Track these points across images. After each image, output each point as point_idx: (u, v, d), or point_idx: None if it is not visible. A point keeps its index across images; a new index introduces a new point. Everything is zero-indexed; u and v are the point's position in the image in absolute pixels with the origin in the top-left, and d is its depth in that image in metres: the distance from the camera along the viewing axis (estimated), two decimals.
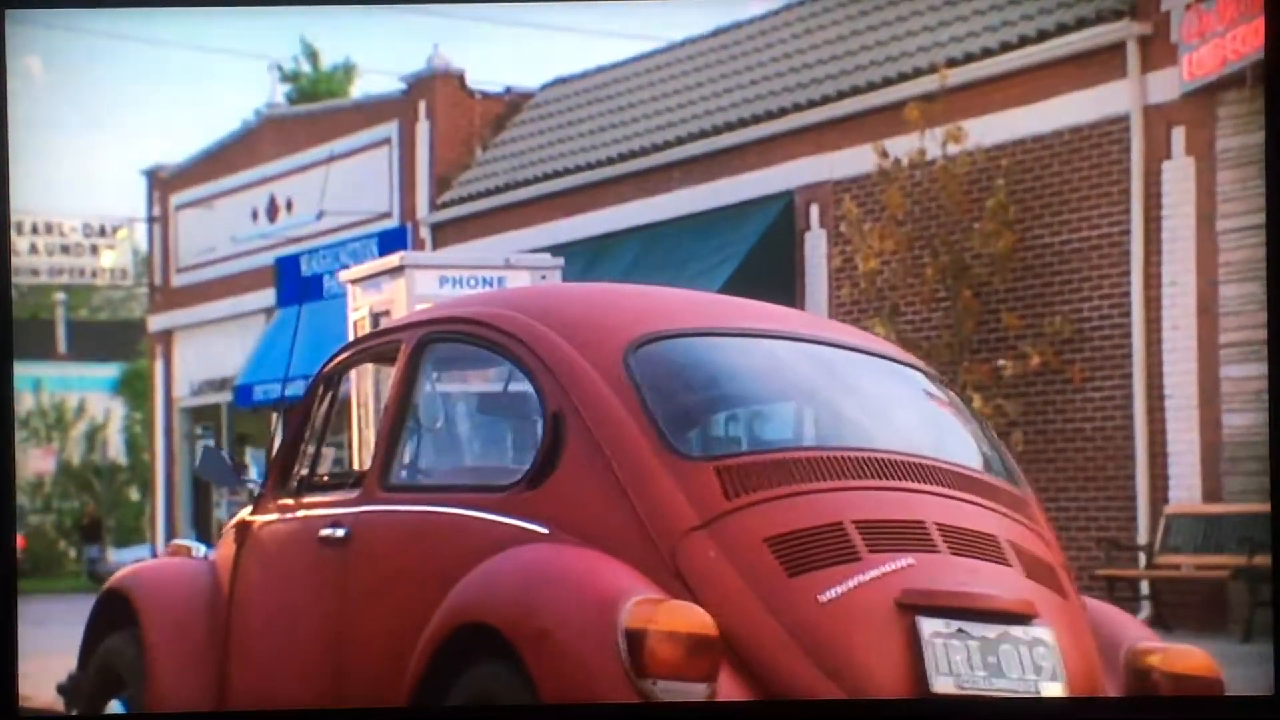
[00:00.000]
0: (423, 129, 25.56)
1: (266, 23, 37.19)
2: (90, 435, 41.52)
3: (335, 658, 6.56)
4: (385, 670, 6.23)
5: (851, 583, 5.56)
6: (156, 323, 31.40)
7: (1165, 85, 15.97)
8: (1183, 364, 15.91)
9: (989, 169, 17.31)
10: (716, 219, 20.60)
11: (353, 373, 14.31)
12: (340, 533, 6.65)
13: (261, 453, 29.41)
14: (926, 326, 17.72)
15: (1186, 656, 6.04)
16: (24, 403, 39.68)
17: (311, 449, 7.37)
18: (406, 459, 6.75)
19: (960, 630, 5.56)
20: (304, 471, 7.31)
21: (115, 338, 45.80)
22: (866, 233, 17.87)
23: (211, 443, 30.73)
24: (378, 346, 7.33)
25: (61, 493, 40.23)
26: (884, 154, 17.82)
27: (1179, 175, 15.88)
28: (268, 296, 28.18)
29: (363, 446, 13.94)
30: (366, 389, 13.58)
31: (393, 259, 13.75)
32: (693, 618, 5.44)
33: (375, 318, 13.76)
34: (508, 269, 13.61)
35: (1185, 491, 15.87)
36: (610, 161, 22.44)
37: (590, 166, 22.78)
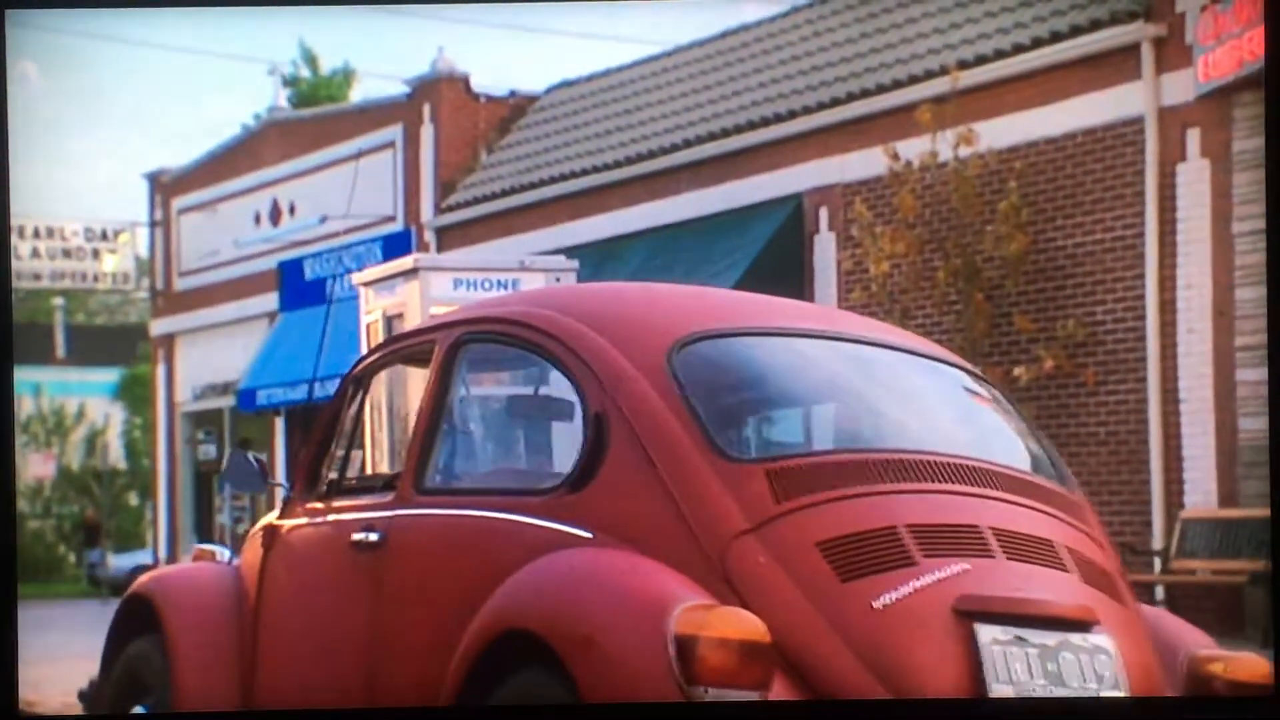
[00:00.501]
0: (427, 132, 25.45)
1: (267, 27, 37.09)
2: (90, 440, 41.35)
3: (369, 663, 6.44)
4: (422, 675, 6.11)
5: (907, 588, 5.44)
6: (158, 327, 31.27)
7: (1180, 87, 15.87)
8: (1198, 367, 15.81)
9: (1001, 171, 17.21)
10: (725, 222, 20.49)
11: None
12: (374, 537, 6.53)
13: (262, 457, 29.36)
14: (938, 330, 17.60)
15: (1249, 664, 5.94)
16: (24, 407, 39.53)
17: (341, 452, 7.25)
18: (441, 462, 6.62)
19: (1019, 637, 5.44)
20: (333, 475, 7.19)
21: (114, 342, 45.63)
22: (878, 235, 17.77)
23: (208, 446, 30.68)
24: (410, 347, 7.18)
25: (61, 497, 40.06)
26: (895, 156, 17.71)
27: (1194, 178, 15.78)
28: (270, 301, 28.05)
29: (376, 449, 13.82)
30: (380, 392, 13.45)
31: (406, 261, 13.64)
32: (745, 624, 5.32)
33: (388, 320, 13.64)
34: (522, 271, 13.50)
35: (1201, 496, 15.77)
36: (618, 164, 22.33)
37: (597, 169, 22.67)
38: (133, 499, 40.97)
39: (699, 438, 5.71)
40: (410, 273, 13.41)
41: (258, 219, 28.47)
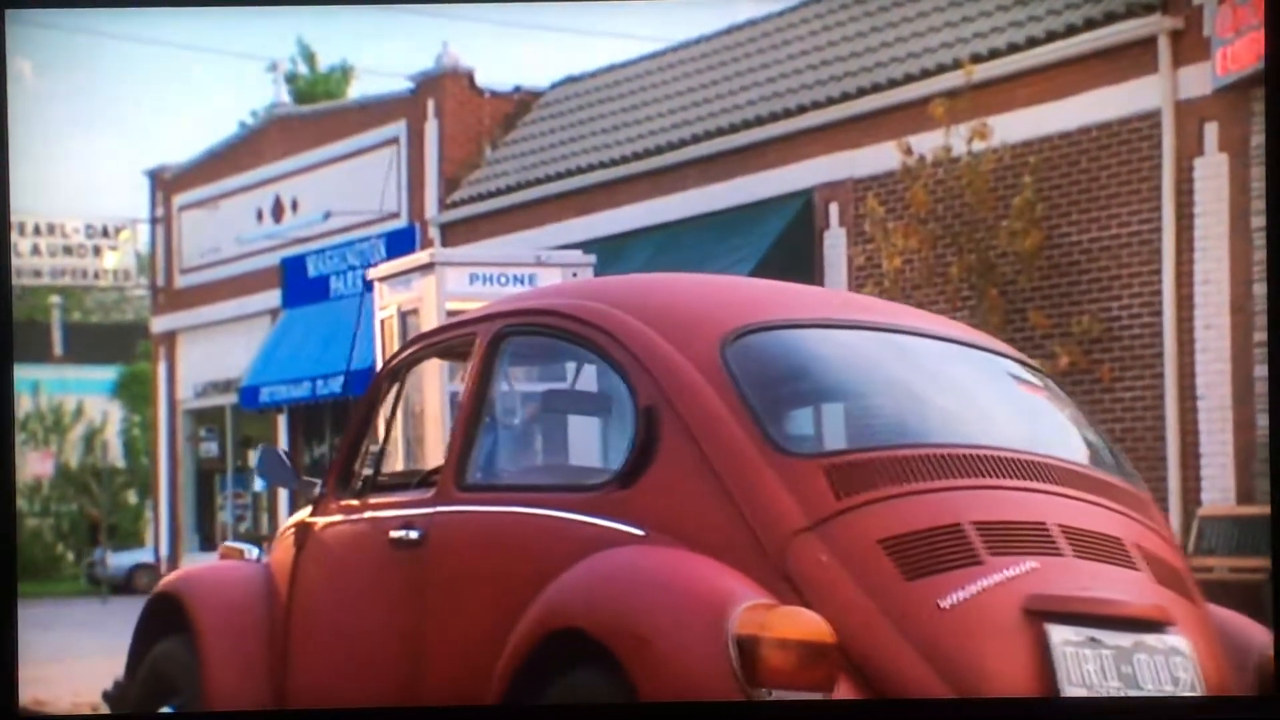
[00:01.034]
0: (431, 128, 25.30)
1: (268, 24, 36.94)
2: (88, 438, 41.20)
3: (408, 661, 6.30)
4: (465, 675, 5.98)
5: (974, 587, 5.30)
6: (159, 324, 31.12)
7: (1197, 80, 15.74)
8: (1215, 364, 15.68)
9: (1014, 166, 17.08)
10: (734, 218, 20.36)
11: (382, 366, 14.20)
12: (414, 534, 6.38)
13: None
14: None
15: None
16: (22, 405, 39.37)
17: (376, 448, 7.10)
18: (483, 457, 6.46)
19: (1092, 639, 5.30)
20: (368, 471, 7.05)
21: (111, 340, 45.48)
22: (890, 231, 17.64)
23: (209, 444, 30.56)
24: (448, 340, 7.02)
25: (60, 496, 39.92)
26: (908, 151, 17.58)
27: (1212, 172, 15.66)
28: (273, 298, 27.92)
29: (389, 444, 13.66)
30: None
31: (422, 256, 13.50)
32: (808, 624, 5.19)
33: (403, 316, 13.50)
34: (539, 266, 13.37)
35: (1218, 493, 15.65)
36: (624, 160, 22.19)
37: (604, 165, 22.53)
38: (131, 497, 40.83)
39: (754, 432, 5.56)
40: (426, 267, 13.27)
41: (260, 215, 28.32)
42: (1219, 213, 15.61)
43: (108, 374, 42.26)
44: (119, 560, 36.68)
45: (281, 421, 27.95)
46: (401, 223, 25.60)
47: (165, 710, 7.57)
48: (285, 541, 7.34)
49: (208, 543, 30.49)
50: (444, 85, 25.19)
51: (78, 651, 19.04)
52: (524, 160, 24.49)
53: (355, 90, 41.67)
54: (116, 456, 40.79)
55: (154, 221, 30.67)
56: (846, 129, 19.23)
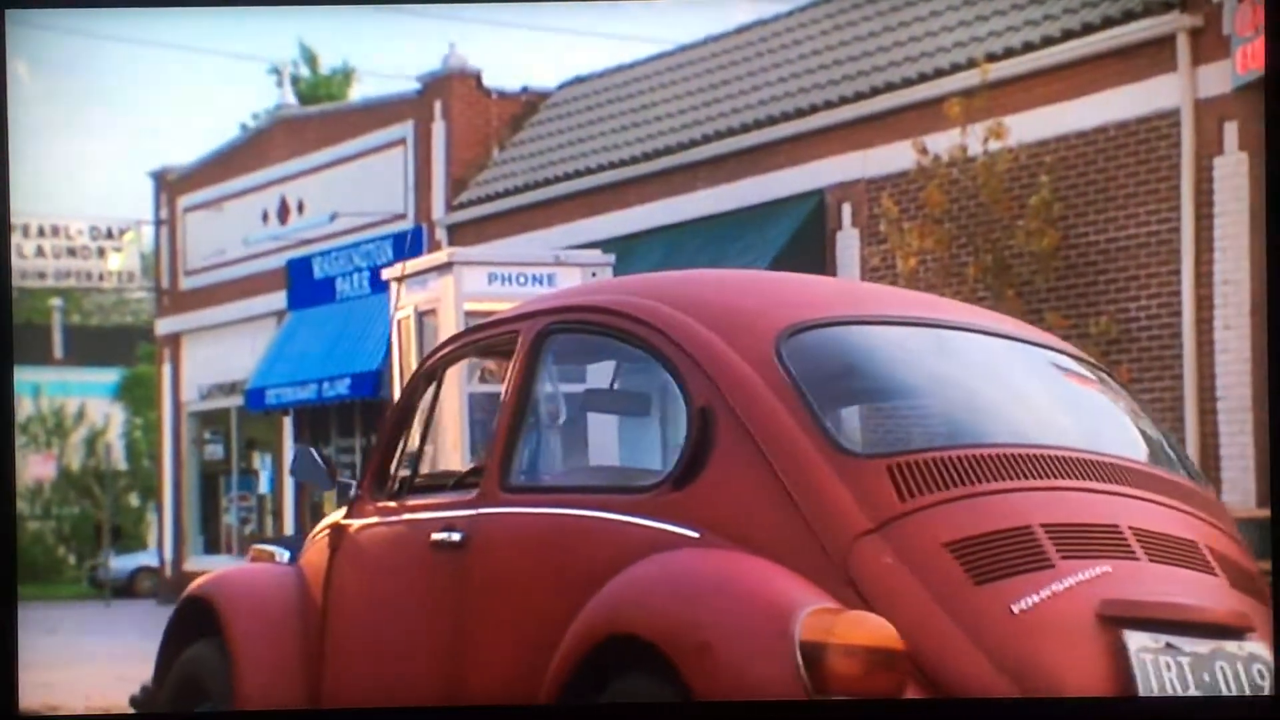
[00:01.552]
0: (438, 129, 25.18)
1: (270, 25, 36.86)
2: (90, 441, 41.09)
3: (451, 667, 6.16)
4: (510, 679, 5.84)
5: (1046, 592, 5.13)
6: (164, 326, 31.00)
7: (1217, 79, 15.62)
8: (1235, 365, 15.57)
9: (1030, 166, 16.97)
10: (745, 219, 20.25)
11: (398, 368, 14.07)
12: (455, 537, 6.23)
13: (269, 456, 29.25)
14: None
15: None
16: (23, 408, 39.27)
17: (412, 449, 6.96)
18: (527, 458, 6.32)
19: (1169, 645, 5.14)
20: (405, 472, 6.91)
21: (112, 343, 45.39)
22: (906, 231, 17.52)
23: (214, 446, 30.43)
24: (487, 339, 6.86)
25: (61, 499, 39.82)
26: (924, 151, 17.46)
27: (1231, 171, 15.54)
28: (278, 299, 27.80)
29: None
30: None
31: (440, 255, 13.38)
32: (877, 630, 5.03)
33: (420, 316, 13.38)
34: (558, 265, 13.26)
35: (1239, 495, 15.52)
36: (634, 160, 22.07)
37: (613, 166, 22.42)
38: (134, 500, 40.73)
39: (814, 431, 5.40)
40: (444, 267, 13.14)
41: (265, 217, 28.21)
42: (1238, 212, 15.49)
43: (109, 376, 42.17)
44: (121, 563, 36.59)
45: (287, 424, 27.84)
46: (408, 224, 25.48)
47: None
48: (319, 544, 7.20)
49: (212, 546, 30.39)
50: (451, 86, 25.07)
51: (85, 655, 18.96)
52: (532, 161, 24.37)
53: (357, 92, 41.65)
54: (119, 459, 40.69)
55: (158, 223, 30.55)
56: (860, 129, 19.11)
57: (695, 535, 5.45)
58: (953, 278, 17.37)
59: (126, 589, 35.51)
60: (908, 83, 18.57)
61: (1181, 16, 15.88)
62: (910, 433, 5.83)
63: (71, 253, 29.63)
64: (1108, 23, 16.56)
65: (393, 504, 6.81)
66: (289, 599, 7.18)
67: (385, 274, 14.35)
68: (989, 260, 17.09)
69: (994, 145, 16.94)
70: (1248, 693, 5.13)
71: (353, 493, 7.12)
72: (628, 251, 21.34)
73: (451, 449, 12.23)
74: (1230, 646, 5.21)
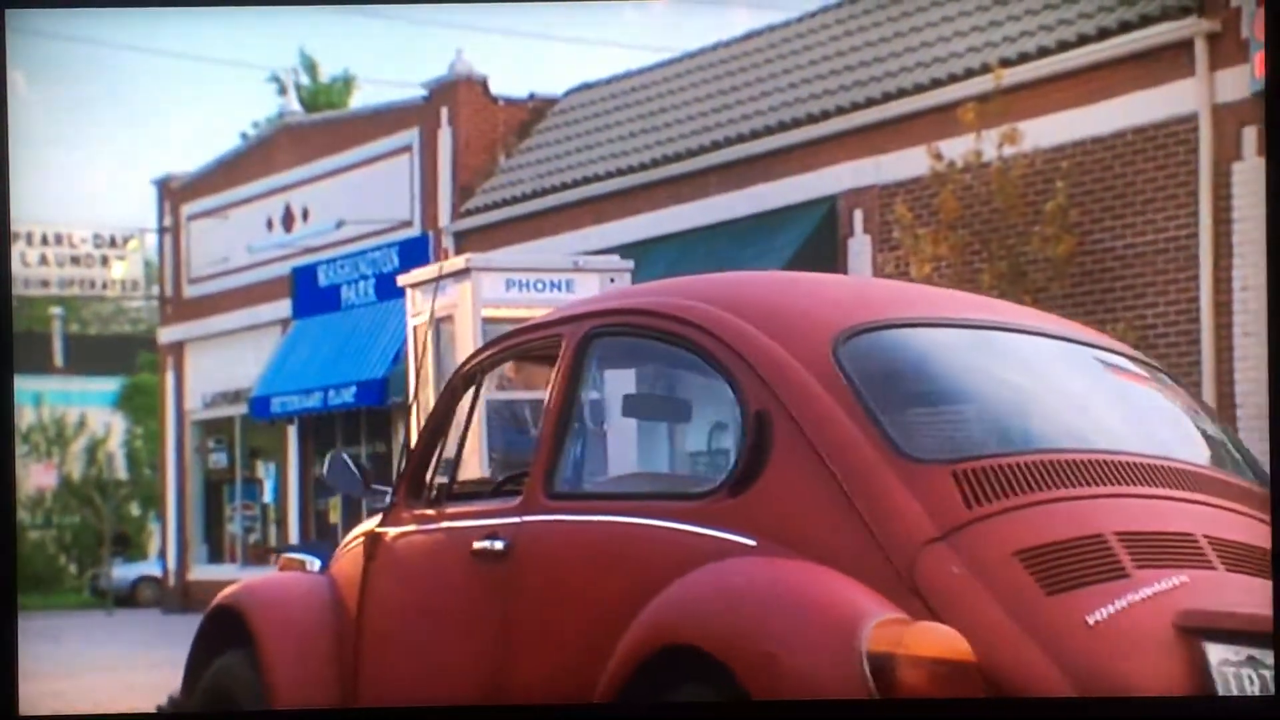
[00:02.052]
0: (445, 135, 25.05)
1: (273, 33, 36.81)
2: (91, 450, 40.96)
3: (492, 676, 6.01)
4: (556, 690, 5.70)
5: (1121, 602, 4.94)
6: (167, 334, 30.88)
7: (1235, 83, 15.52)
8: (1254, 372, 15.44)
9: (1045, 171, 16.85)
10: (756, 225, 20.12)
11: (414, 374, 13.92)
12: (499, 545, 6.06)
13: (273, 465, 29.12)
14: None
15: None
16: (24, 417, 39.12)
17: (450, 455, 6.81)
18: (573, 464, 6.16)
19: (1251, 658, 4.98)
20: (442, 480, 6.76)
21: (112, 351, 45.29)
22: (920, 237, 17.39)
23: (218, 454, 30.31)
24: (528, 343, 6.69)
25: (62, 508, 39.69)
26: (938, 157, 17.34)
27: (1250, 176, 15.42)
28: (283, 307, 27.68)
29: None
30: (429, 396, 13.10)
31: (458, 261, 13.24)
32: (948, 641, 4.84)
33: (437, 323, 13.25)
34: (576, 271, 13.13)
35: None
36: (643, 167, 21.95)
37: (621, 172, 22.30)
38: (134, 509, 40.63)
39: (875, 436, 5.24)
40: (462, 273, 13.00)
41: (270, 224, 28.08)
42: (1258, 218, 15.36)
43: (110, 385, 42.06)
44: (123, 572, 36.48)
45: (292, 432, 27.72)
46: (414, 231, 25.36)
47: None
48: (352, 552, 7.05)
49: (216, 554, 30.26)
50: (458, 92, 24.95)
51: (92, 665, 18.85)
52: (540, 168, 24.25)
53: (357, 100, 41.62)
54: (120, 468, 40.59)
55: (162, 231, 30.43)
56: (872, 134, 19.00)
57: (752, 543, 5.29)
58: (967, 284, 17.23)
59: (128, 598, 35.42)
60: (921, 88, 18.46)
61: (1200, 21, 15.78)
62: (972, 438, 5.60)
63: (75, 261, 29.54)
64: (1124, 28, 16.45)
65: (431, 512, 6.65)
66: (322, 608, 7.03)
67: (401, 280, 14.20)
68: (1004, 266, 16.96)
69: (1009, 151, 16.83)
70: None
71: (388, 500, 6.95)
72: (636, 258, 21.19)
73: (469, 455, 12.08)
74: None
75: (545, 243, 22.68)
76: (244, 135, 37.07)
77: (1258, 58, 15.13)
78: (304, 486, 27.76)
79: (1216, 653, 4.93)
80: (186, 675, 7.56)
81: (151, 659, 19.34)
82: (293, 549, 25.56)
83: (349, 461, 7.20)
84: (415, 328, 13.65)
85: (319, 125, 28.87)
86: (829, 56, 20.84)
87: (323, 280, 26.61)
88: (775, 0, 23.56)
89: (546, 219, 23.24)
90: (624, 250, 21.26)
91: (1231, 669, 4.95)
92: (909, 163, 18.25)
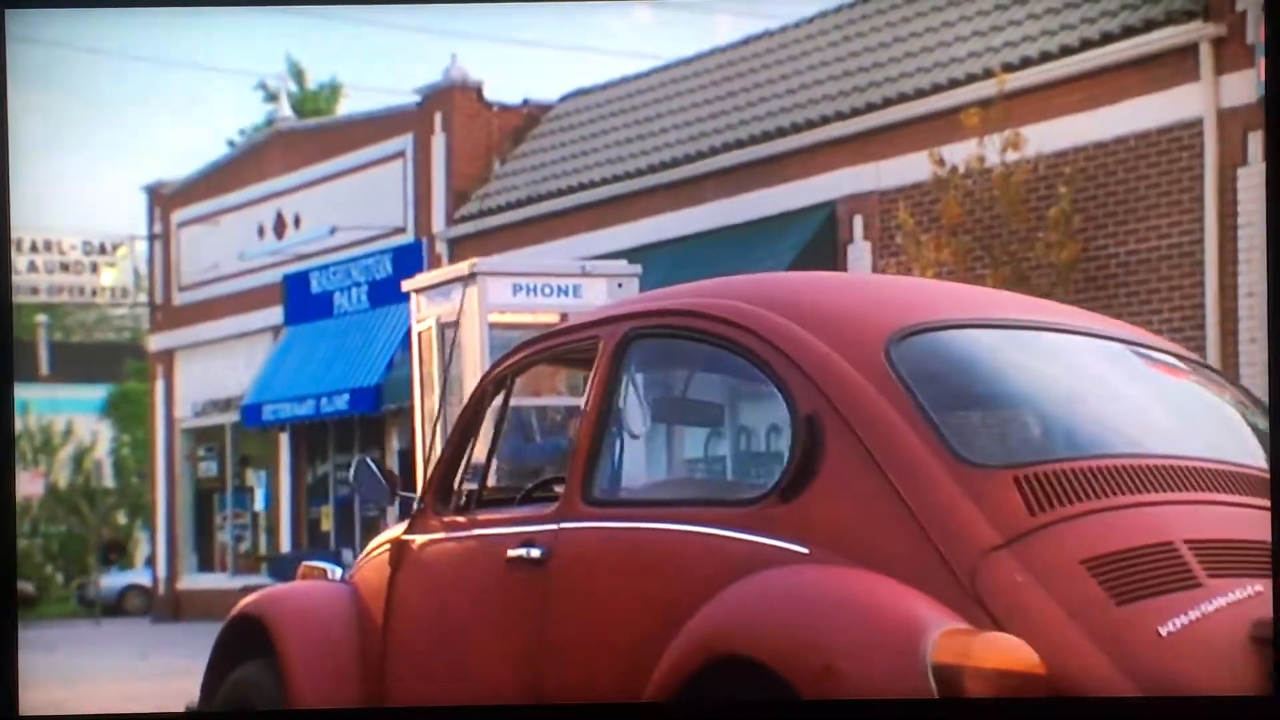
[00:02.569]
0: (438, 141, 24.91)
1: (262, 39, 36.70)
2: (78, 458, 40.76)
3: (529, 685, 5.88)
4: (597, 699, 5.56)
5: (1195, 613, 4.79)
6: (157, 342, 30.71)
7: (1241, 88, 15.43)
8: (1261, 379, 15.32)
9: (1049, 177, 16.76)
10: (755, 231, 20.00)
11: (418, 380, 13.81)
12: (535, 553, 5.92)
13: (264, 473, 28.94)
14: None
15: None
16: None
17: (480, 461, 6.67)
18: (612, 470, 6.02)
19: None
20: (472, 486, 6.62)
21: (99, 359, 45.09)
22: (922, 243, 17.29)
23: (209, 462, 30.14)
24: (562, 345, 6.55)
25: (49, 516, 39.47)
26: (941, 162, 17.23)
27: (1256, 181, 15.33)
28: (274, 315, 27.52)
29: (429, 461, 13.31)
30: (434, 402, 13.00)
31: (462, 266, 13.11)
32: (1016, 652, 4.69)
33: (442, 328, 13.12)
34: (583, 276, 13.01)
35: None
36: (640, 173, 21.82)
37: (618, 178, 22.17)
38: (121, 517, 40.43)
39: (932, 440, 5.09)
40: (468, 278, 12.87)
41: (261, 231, 27.92)
42: (1264, 223, 15.25)
43: (97, 393, 41.86)
44: (110, 581, 36.29)
45: (284, 440, 27.56)
46: (408, 238, 25.22)
47: None
48: (377, 560, 6.91)
49: (206, 564, 30.09)
50: (452, 98, 24.81)
51: (87, 674, 18.70)
52: (535, 174, 24.11)
53: (344, 107, 41.54)
54: (107, 476, 40.39)
55: (152, 238, 30.26)
56: (872, 140, 18.89)
57: (804, 551, 5.15)
58: None
59: (115, 608, 35.23)
60: (922, 94, 18.35)
61: (1205, 25, 15.69)
62: (1032, 442, 5.44)
63: (64, 268, 29.36)
64: (1128, 32, 16.36)
65: (461, 519, 6.51)
66: (345, 617, 6.90)
67: (405, 285, 14.07)
68: (1007, 272, 16.85)
69: (1012, 156, 16.73)
70: None
71: (415, 507, 6.82)
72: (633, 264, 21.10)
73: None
74: None
75: (540, 249, 22.55)
76: (231, 143, 36.96)
77: (1263, 62, 15.03)
78: (296, 494, 27.62)
79: None
80: (205, 685, 7.43)
81: (149, 668, 19.22)
82: (299, 556, 25.43)
83: (375, 468, 7.06)
84: (419, 333, 13.53)
85: (312, 131, 28.72)
86: (828, 62, 20.73)
87: (315, 287, 26.47)
88: (758, 8, 23.48)
89: (543, 225, 23.11)
90: (621, 257, 21.16)
91: None
92: (909, 168, 18.15)
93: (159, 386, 30.65)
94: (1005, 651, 4.72)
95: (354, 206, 25.64)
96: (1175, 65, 15.99)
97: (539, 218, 23.24)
